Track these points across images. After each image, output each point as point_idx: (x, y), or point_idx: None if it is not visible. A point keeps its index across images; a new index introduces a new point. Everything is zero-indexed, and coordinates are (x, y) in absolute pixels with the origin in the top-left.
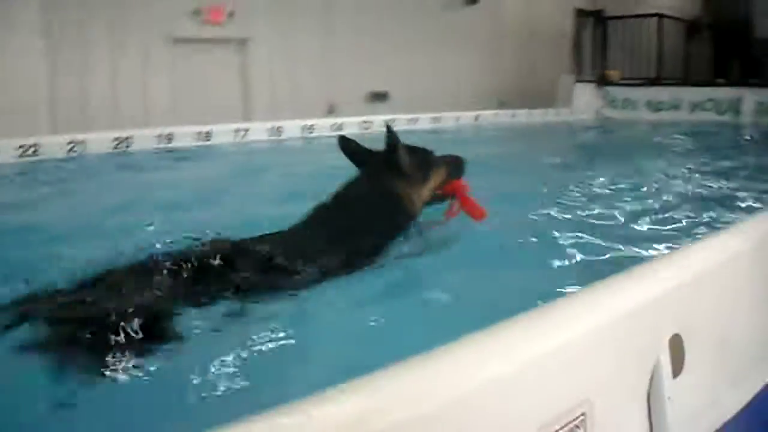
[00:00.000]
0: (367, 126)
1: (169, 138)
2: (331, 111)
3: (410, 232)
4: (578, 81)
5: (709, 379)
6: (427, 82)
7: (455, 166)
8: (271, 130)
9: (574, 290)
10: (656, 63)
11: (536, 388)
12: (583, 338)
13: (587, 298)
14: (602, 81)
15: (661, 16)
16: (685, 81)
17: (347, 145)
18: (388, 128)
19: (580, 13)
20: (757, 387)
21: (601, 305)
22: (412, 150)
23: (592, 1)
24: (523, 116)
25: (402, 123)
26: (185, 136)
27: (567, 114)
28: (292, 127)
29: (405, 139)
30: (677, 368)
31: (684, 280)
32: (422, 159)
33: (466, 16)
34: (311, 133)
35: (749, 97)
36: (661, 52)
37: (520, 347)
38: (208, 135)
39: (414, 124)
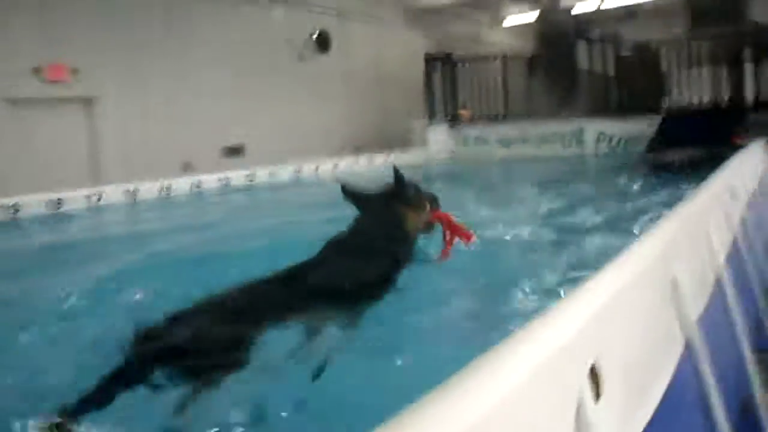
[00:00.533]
0: (225, 182)
1: (16, 209)
2: (186, 168)
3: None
4: (431, 123)
5: (622, 401)
6: (283, 134)
7: (433, 197)
8: (126, 192)
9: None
10: (503, 101)
11: None
12: (519, 387)
13: (515, 346)
14: (454, 121)
15: (504, 56)
16: (530, 116)
17: (348, 190)
18: (395, 168)
19: (430, 57)
20: (655, 403)
21: (530, 350)
22: (409, 185)
23: (439, 46)
24: (380, 160)
25: (262, 176)
26: (33, 204)
27: (423, 156)
28: (148, 189)
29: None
30: (597, 395)
31: (596, 310)
32: (417, 192)
33: (319, 65)
34: (168, 193)
35: (590, 128)
36: (507, 90)
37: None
38: (59, 203)
39: (274, 176)
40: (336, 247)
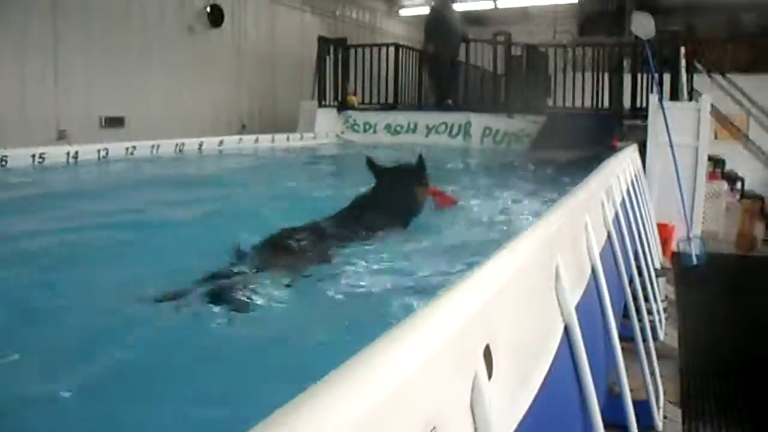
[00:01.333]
0: (105, 154)
1: None
2: (61, 137)
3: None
4: (320, 106)
5: (511, 380)
6: (168, 107)
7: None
8: None
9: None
10: (394, 89)
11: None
12: (421, 366)
13: (415, 327)
14: (343, 106)
15: (398, 45)
16: (420, 106)
17: (373, 163)
18: (420, 156)
19: (323, 41)
20: (539, 382)
21: (427, 334)
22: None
23: (333, 30)
24: (266, 141)
25: (143, 150)
26: None
27: (310, 138)
28: (19, 156)
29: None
30: (489, 374)
31: (490, 294)
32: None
33: (209, 39)
34: (42, 162)
35: (476, 121)
36: (398, 80)
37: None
38: None
39: (156, 150)
40: (367, 200)
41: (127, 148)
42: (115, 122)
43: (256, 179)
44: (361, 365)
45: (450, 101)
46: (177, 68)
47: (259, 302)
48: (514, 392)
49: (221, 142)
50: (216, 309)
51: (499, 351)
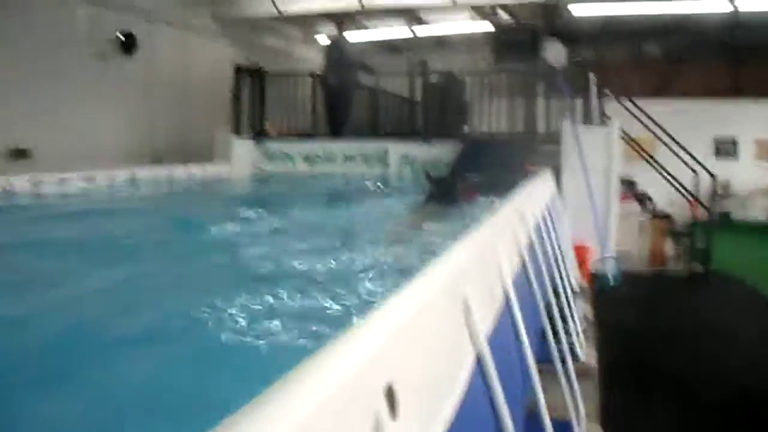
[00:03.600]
0: (8, 187)
1: None
2: None
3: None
4: (237, 136)
5: (418, 418)
6: (78, 138)
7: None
8: None
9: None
10: (311, 118)
11: None
12: (316, 412)
13: (310, 371)
14: (260, 136)
15: (315, 74)
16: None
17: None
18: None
19: (239, 69)
20: (449, 416)
21: (323, 378)
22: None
23: (250, 58)
24: (181, 172)
25: (50, 184)
26: None
27: (226, 169)
28: None
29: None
30: (393, 414)
31: (392, 332)
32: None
33: (121, 67)
34: None
35: (394, 150)
36: (315, 108)
37: None
38: None
39: (63, 184)
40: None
41: (31, 182)
42: (20, 154)
43: (159, 211)
44: (251, 416)
45: (347, 134)
46: (87, 97)
47: None
48: (424, 428)
49: (133, 174)
50: None
51: (405, 389)
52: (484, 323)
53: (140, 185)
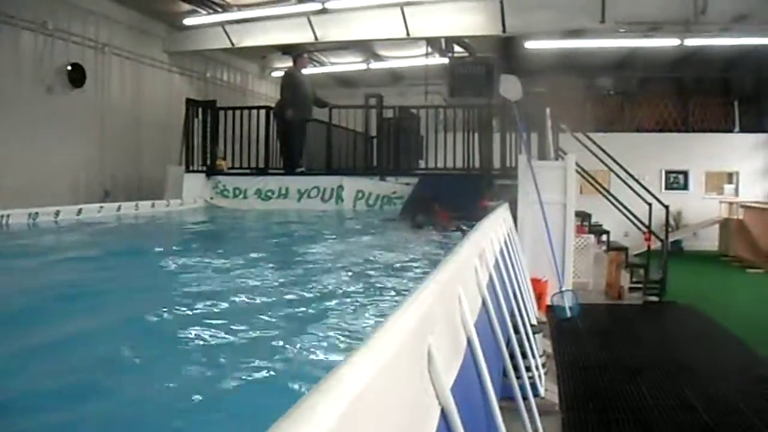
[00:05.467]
0: None
1: None
2: None
3: None
4: (188, 171)
5: None
6: (23, 172)
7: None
8: None
9: None
10: (265, 153)
11: None
12: None
13: None
14: (212, 171)
15: (269, 108)
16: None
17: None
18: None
19: (191, 103)
20: None
21: None
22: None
23: (203, 92)
24: (130, 209)
25: None
26: None
27: (176, 204)
28: None
29: None
30: None
31: (346, 400)
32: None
33: (69, 99)
34: None
35: (348, 185)
36: (269, 143)
37: None
38: None
39: (6, 221)
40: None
41: None
42: None
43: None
44: None
45: (302, 167)
46: (34, 130)
47: None
48: None
49: (80, 211)
50: None
51: None
52: (448, 373)
53: (86, 222)
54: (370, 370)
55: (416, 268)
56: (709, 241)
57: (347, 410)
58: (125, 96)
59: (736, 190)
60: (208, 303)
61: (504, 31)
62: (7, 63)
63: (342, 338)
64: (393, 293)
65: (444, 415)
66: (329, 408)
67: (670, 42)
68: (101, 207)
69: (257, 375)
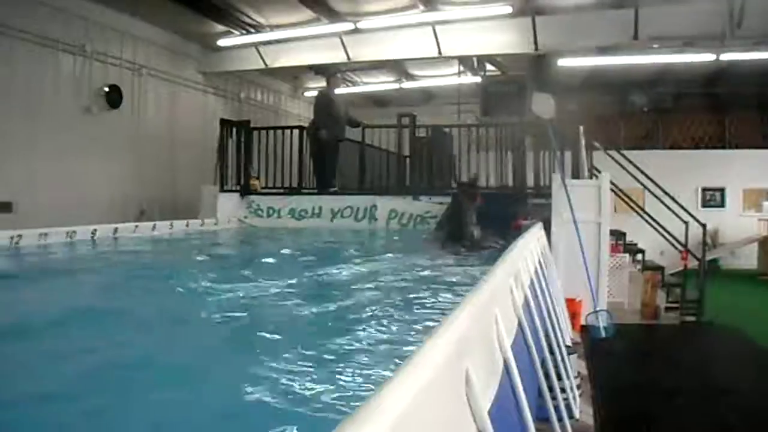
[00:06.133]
0: None
1: None
2: None
3: None
4: (222, 190)
5: None
6: (61, 191)
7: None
8: None
9: None
10: (298, 173)
11: None
12: None
13: None
14: (246, 190)
15: (302, 128)
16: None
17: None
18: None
19: (226, 123)
20: None
21: None
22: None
23: (237, 112)
24: (165, 228)
25: (30, 238)
26: None
27: (211, 224)
28: None
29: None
30: None
31: (393, 420)
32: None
33: (106, 121)
34: None
35: (381, 204)
36: (302, 163)
37: None
38: None
39: (44, 239)
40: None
41: (11, 237)
42: (2, 207)
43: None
44: None
45: (335, 187)
46: (72, 151)
47: None
48: None
49: (116, 230)
50: None
51: None
52: (485, 395)
53: (122, 241)
54: (409, 396)
55: None
56: (748, 259)
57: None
58: (161, 116)
59: None
60: None
61: (536, 49)
62: (48, 84)
63: None
64: None
65: None
66: (375, 427)
67: (704, 57)
68: (136, 226)
69: None
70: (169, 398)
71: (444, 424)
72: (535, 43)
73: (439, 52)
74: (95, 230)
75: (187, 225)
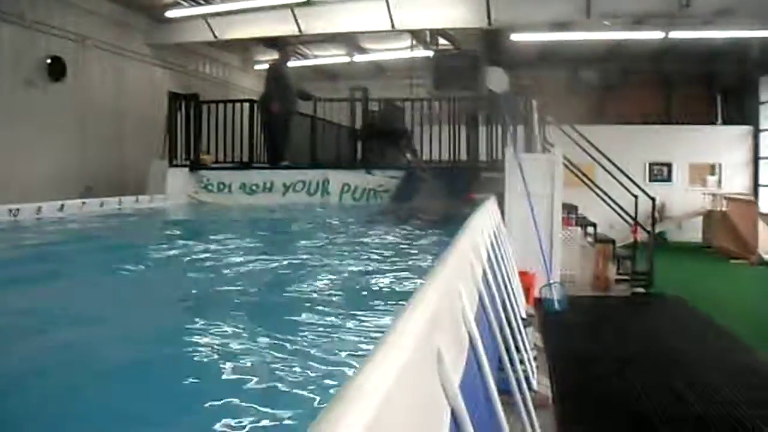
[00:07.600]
0: None
1: None
2: None
3: None
4: (171, 165)
5: None
6: (3, 168)
7: None
8: None
9: None
10: (249, 147)
11: None
12: None
13: None
14: (196, 165)
15: (252, 101)
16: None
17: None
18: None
19: (174, 96)
20: None
21: None
22: None
23: (186, 85)
24: (113, 204)
25: None
26: None
27: (161, 200)
28: None
29: None
30: None
31: (372, 403)
32: None
33: (49, 93)
34: None
35: (334, 178)
36: (253, 137)
37: None
38: None
39: None
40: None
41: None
42: None
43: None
44: None
45: (287, 161)
46: (13, 125)
47: None
48: None
49: (62, 207)
50: None
51: None
52: (455, 371)
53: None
54: (389, 377)
55: None
56: (693, 232)
57: (372, 423)
58: (106, 89)
59: (719, 182)
60: None
61: (489, 23)
62: None
63: None
64: None
65: (454, 415)
66: (354, 421)
67: (654, 35)
68: (83, 203)
69: None
70: None
71: (420, 402)
72: (489, 17)
73: (392, 26)
74: (40, 207)
75: (136, 201)
